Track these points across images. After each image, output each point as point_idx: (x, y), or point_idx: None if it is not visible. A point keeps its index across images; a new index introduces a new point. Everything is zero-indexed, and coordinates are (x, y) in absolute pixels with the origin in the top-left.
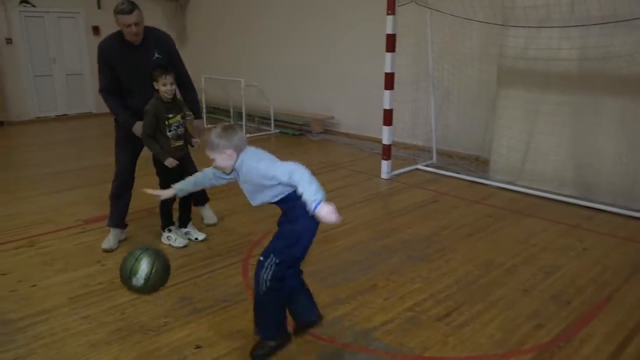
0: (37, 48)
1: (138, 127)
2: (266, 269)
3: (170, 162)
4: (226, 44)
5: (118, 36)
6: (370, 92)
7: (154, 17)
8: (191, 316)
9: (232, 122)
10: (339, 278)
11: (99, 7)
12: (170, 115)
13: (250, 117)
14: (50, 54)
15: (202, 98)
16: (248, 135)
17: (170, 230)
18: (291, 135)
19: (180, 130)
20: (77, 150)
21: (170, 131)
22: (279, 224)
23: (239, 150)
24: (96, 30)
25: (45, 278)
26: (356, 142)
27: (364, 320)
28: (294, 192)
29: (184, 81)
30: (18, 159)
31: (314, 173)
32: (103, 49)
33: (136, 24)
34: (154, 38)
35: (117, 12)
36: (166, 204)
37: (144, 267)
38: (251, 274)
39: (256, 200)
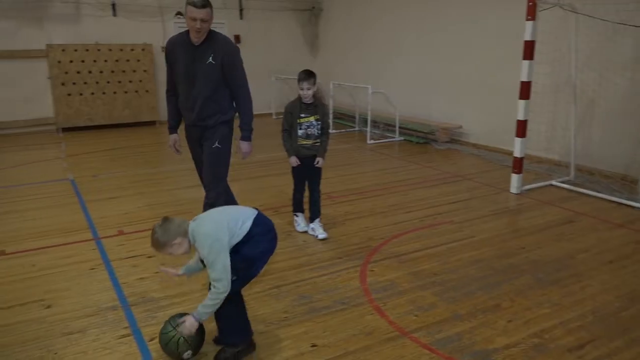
0: None
1: (173, 139)
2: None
3: (292, 161)
4: (355, 52)
5: (184, 34)
6: (503, 101)
7: (288, 26)
8: (309, 314)
9: (163, 218)
10: (459, 293)
11: (241, 17)
12: (303, 115)
13: (376, 123)
14: None
15: (330, 104)
16: (372, 141)
17: (297, 215)
18: (415, 143)
19: (311, 131)
20: None
21: (300, 129)
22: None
23: (183, 232)
24: (237, 38)
25: (184, 264)
26: (485, 153)
27: (484, 340)
28: (249, 231)
29: (237, 93)
30: (166, 156)
31: (438, 183)
32: (168, 45)
33: (202, 21)
34: (213, 43)
35: (189, 2)
36: (297, 195)
37: (182, 346)
38: (369, 279)
39: None
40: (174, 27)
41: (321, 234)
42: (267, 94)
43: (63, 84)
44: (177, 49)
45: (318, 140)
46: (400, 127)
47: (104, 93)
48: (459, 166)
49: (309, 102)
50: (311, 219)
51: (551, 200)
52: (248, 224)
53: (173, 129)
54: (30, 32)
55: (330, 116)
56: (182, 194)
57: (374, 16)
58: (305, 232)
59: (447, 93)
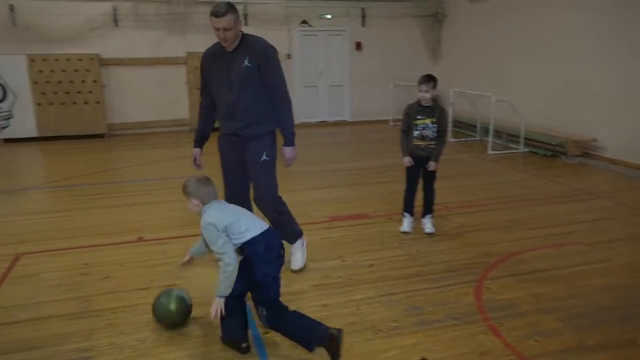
0: (308, 62)
1: (195, 153)
2: None
3: (405, 161)
4: (479, 58)
5: (218, 43)
6: None
7: (410, 33)
8: (419, 326)
9: (206, 178)
10: (586, 321)
11: (363, 25)
12: (419, 117)
13: (498, 133)
14: (318, 67)
15: (450, 112)
16: (493, 152)
17: (404, 216)
18: (542, 155)
19: (425, 133)
20: (331, 154)
21: (416, 130)
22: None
23: (203, 202)
24: (359, 45)
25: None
26: (623, 169)
27: None
28: (249, 240)
29: (275, 96)
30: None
31: (566, 200)
32: (203, 56)
33: (225, 29)
34: (248, 46)
35: (210, 13)
36: (408, 194)
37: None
38: (485, 296)
39: None
40: (299, 35)
41: (429, 228)
42: (386, 100)
43: (198, 89)
44: (211, 58)
45: (433, 143)
46: (525, 138)
47: None
48: (591, 183)
49: (426, 105)
50: (422, 214)
51: None
52: (251, 234)
53: (197, 144)
54: (174, 42)
55: (450, 124)
56: (299, 196)
57: (499, 21)
58: (407, 232)
59: (579, 102)
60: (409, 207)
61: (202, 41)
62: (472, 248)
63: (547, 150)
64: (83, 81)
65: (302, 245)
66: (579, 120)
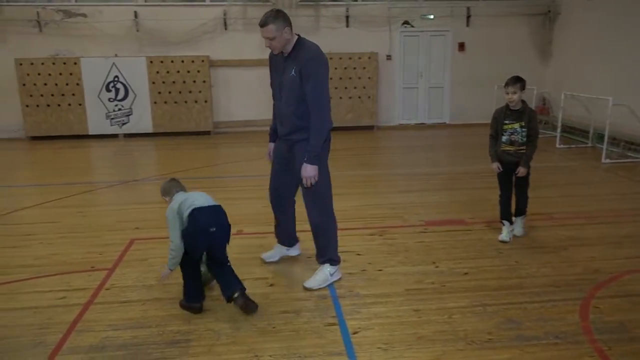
0: (409, 63)
1: (269, 148)
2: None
3: (494, 167)
4: (595, 59)
5: None
6: None
7: (516, 32)
8: (516, 341)
9: (171, 178)
10: None
11: (467, 24)
12: (507, 122)
13: (615, 140)
14: (419, 68)
15: (559, 116)
16: (608, 160)
17: (503, 223)
18: None
19: (514, 138)
20: (429, 157)
21: (504, 135)
22: None
23: (170, 196)
24: (461, 46)
25: (389, 266)
26: None
27: None
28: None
29: (310, 107)
30: (381, 160)
31: None
32: (269, 55)
33: (269, 39)
34: (297, 54)
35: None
36: (501, 200)
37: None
38: (592, 316)
39: None
40: (400, 36)
41: (518, 231)
42: (488, 103)
43: None
44: (273, 60)
45: (523, 148)
46: None
47: (331, 98)
48: None
49: (514, 109)
50: (514, 214)
51: None
52: (195, 206)
53: (271, 138)
54: None
55: (559, 129)
56: (394, 198)
57: (620, 19)
58: (506, 242)
59: None
60: (505, 214)
61: None
62: (579, 263)
63: None
64: (194, 81)
65: (330, 275)
66: None
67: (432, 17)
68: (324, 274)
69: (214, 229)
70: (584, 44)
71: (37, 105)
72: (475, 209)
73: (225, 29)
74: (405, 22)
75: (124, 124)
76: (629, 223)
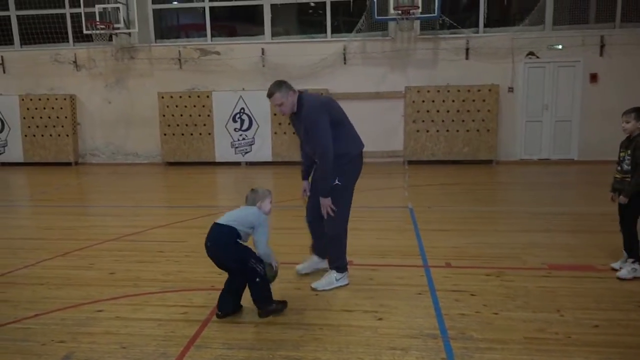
0: (533, 95)
1: (303, 186)
2: None
3: (620, 199)
4: None
5: None
6: None
7: None
8: None
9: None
10: None
11: (600, 54)
12: (621, 150)
13: None
14: (544, 101)
15: None
16: None
17: (633, 262)
18: None
19: (622, 165)
20: (553, 195)
21: (618, 164)
22: None
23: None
24: (594, 77)
25: (506, 310)
26: None
27: None
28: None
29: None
30: (500, 196)
31: None
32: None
33: (278, 105)
34: (301, 113)
35: None
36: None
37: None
38: None
39: None
40: (524, 68)
41: (621, 273)
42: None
43: (414, 122)
44: (292, 116)
45: (628, 176)
46: None
47: (447, 131)
48: None
49: (626, 137)
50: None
51: None
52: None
53: (303, 176)
54: (395, 77)
55: None
56: (514, 237)
57: None
58: (623, 279)
59: None
60: (633, 253)
61: (421, 76)
62: None
63: None
64: None
65: (336, 280)
66: None
67: (560, 47)
68: (330, 278)
69: (209, 244)
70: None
71: (173, 134)
72: (608, 254)
73: (345, 63)
74: (530, 53)
75: (246, 152)
76: None
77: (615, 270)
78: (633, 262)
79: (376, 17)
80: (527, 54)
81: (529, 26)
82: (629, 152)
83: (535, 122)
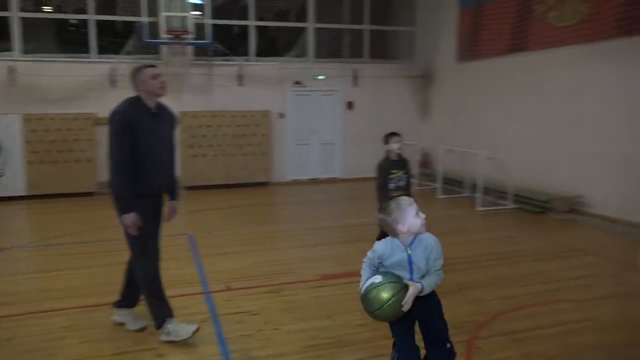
0: (301, 121)
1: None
2: None
3: None
4: (468, 117)
5: None
6: (633, 169)
7: (400, 92)
8: None
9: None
10: None
11: (355, 84)
12: (393, 171)
13: (488, 190)
14: (311, 125)
15: (440, 169)
16: (483, 208)
17: None
18: (531, 212)
19: (401, 184)
20: (322, 211)
21: (390, 183)
22: None
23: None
24: (350, 105)
25: (285, 324)
26: (610, 225)
27: None
28: None
29: None
30: (275, 215)
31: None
32: None
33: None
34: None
35: None
36: None
37: (374, 279)
38: (475, 356)
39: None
40: (292, 95)
41: None
42: (377, 157)
43: (190, 147)
44: None
45: (406, 193)
46: (514, 195)
47: (224, 155)
48: (579, 239)
49: (395, 159)
50: None
51: None
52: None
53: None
54: (168, 102)
55: (440, 181)
56: (291, 253)
57: (487, 81)
58: None
59: (567, 160)
60: None
61: (196, 102)
62: (462, 306)
63: (536, 207)
64: (75, 140)
65: (172, 331)
66: (567, 177)
67: (322, 77)
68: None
69: None
70: (457, 103)
71: None
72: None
73: (113, 85)
74: (297, 82)
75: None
76: (503, 266)
77: None
78: None
79: (146, 39)
80: (295, 83)
81: (294, 57)
82: (405, 171)
83: (304, 145)
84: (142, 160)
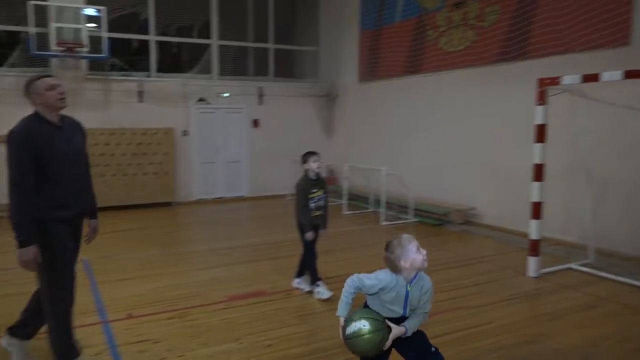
0: (206, 139)
1: None
2: None
3: (309, 235)
4: (370, 135)
5: None
6: (517, 182)
7: (305, 111)
8: None
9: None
10: None
11: (260, 103)
12: (314, 190)
13: (390, 204)
14: (216, 144)
15: (345, 186)
16: (386, 223)
17: (318, 285)
18: (430, 225)
19: (321, 203)
20: (228, 231)
21: (312, 203)
22: None
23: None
24: (256, 122)
25: (190, 350)
26: (500, 235)
27: None
28: None
29: None
30: (178, 236)
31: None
32: None
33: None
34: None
35: None
36: (315, 260)
37: (362, 326)
38: None
39: None
40: (196, 113)
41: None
42: (283, 175)
43: None
44: None
45: (324, 211)
46: (415, 209)
47: (124, 175)
48: (473, 248)
49: (314, 178)
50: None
51: (571, 284)
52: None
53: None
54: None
55: (345, 197)
56: (197, 276)
57: (387, 100)
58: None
59: (460, 175)
60: (318, 274)
61: (92, 119)
62: None
63: (434, 219)
64: None
65: None
66: (461, 191)
67: (227, 94)
68: None
69: None
70: (359, 121)
71: None
72: (275, 278)
73: None
74: (201, 99)
75: None
76: None
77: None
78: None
79: (34, 51)
80: (199, 100)
81: (198, 74)
82: (324, 190)
83: (209, 163)
84: (54, 183)
